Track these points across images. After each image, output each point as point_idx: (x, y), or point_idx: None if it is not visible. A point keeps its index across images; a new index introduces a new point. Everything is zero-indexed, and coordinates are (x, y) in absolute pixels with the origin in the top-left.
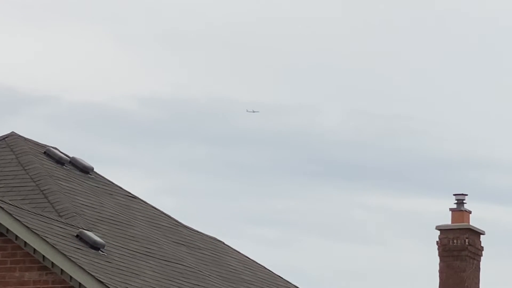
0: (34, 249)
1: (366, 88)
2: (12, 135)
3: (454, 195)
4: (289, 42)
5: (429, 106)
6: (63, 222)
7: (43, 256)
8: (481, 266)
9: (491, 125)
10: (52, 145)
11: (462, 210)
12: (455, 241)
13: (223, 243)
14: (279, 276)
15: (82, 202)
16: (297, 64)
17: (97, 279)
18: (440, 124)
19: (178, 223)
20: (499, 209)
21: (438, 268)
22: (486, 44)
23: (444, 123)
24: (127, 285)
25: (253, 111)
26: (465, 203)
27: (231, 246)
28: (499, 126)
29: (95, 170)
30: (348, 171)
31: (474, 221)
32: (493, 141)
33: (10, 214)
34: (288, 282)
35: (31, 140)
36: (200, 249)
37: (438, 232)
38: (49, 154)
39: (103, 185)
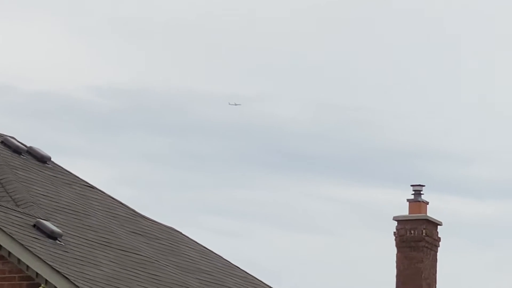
0: None
1: (323, 79)
2: None
3: (412, 186)
4: (247, 34)
5: (386, 97)
6: (20, 212)
7: (0, 245)
8: (438, 257)
9: (449, 116)
10: (9, 135)
11: (419, 201)
12: (412, 231)
13: (181, 233)
14: (237, 266)
15: (39, 192)
16: (254, 55)
17: (54, 268)
18: (398, 115)
19: (135, 213)
20: (456, 200)
21: (395, 258)
22: (438, 35)
23: (402, 114)
24: (84, 275)
25: (235, 104)
26: (423, 194)
27: (189, 236)
28: (456, 117)
29: (52, 159)
30: (305, 162)
31: (431, 212)
32: (450, 132)
33: None
34: (245, 272)
35: None
36: (157, 239)
37: (396, 223)
38: (6, 143)
39: (60, 174)
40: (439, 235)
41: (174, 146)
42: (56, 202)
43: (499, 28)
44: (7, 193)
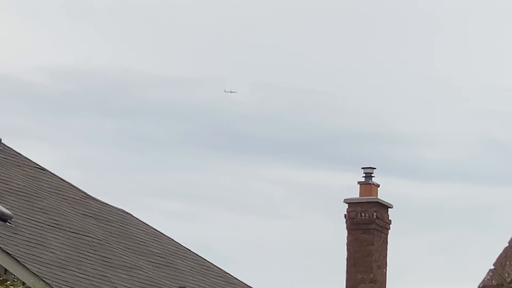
0: None
1: (273, 61)
2: None
3: (362, 168)
4: (196, 15)
5: (335, 80)
6: None
7: None
8: (388, 240)
9: (400, 99)
10: None
11: (370, 184)
12: (363, 214)
13: (131, 215)
14: (188, 249)
15: None
16: (204, 37)
17: (4, 250)
18: (347, 98)
19: (86, 195)
20: (407, 183)
21: (346, 241)
22: (389, 19)
23: (351, 97)
24: (34, 257)
25: (231, 91)
26: (373, 176)
27: (140, 218)
28: (407, 100)
29: (2, 141)
30: (254, 145)
31: (382, 195)
32: (401, 115)
33: None
34: (196, 254)
35: None
36: (108, 221)
37: (346, 206)
38: None
39: (11, 156)
40: (389, 218)
41: (123, 128)
42: (6, 184)
43: (442, 13)
44: None
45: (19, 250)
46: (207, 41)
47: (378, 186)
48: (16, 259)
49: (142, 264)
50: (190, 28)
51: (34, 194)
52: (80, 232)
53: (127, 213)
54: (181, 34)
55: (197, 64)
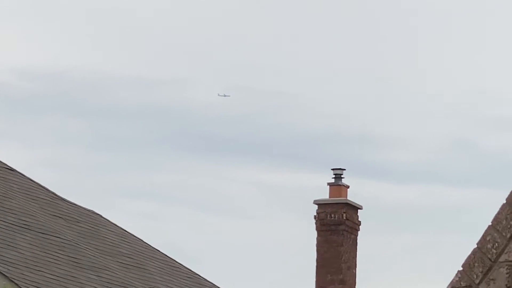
0: None
1: (241, 63)
2: None
3: (332, 169)
4: (165, 17)
5: (305, 81)
6: None
7: None
8: (358, 241)
9: (370, 100)
10: None
11: (340, 185)
12: (332, 215)
13: (101, 216)
14: (157, 250)
15: None
16: (172, 38)
17: None
18: (317, 99)
19: (55, 196)
20: (377, 184)
21: (315, 242)
22: (356, 20)
23: (321, 98)
24: (2, 257)
25: (224, 95)
26: (343, 177)
27: (109, 219)
28: (377, 102)
29: None
30: (224, 146)
31: (352, 196)
32: (371, 116)
33: None
34: (165, 255)
35: None
36: (78, 222)
37: (316, 207)
38: None
39: None
40: (359, 219)
41: (93, 129)
42: None
43: (412, 13)
44: None
45: None
46: (176, 42)
47: (348, 187)
48: None
49: (111, 265)
50: (159, 29)
51: (3, 195)
52: (49, 233)
53: (97, 213)
54: (150, 35)
55: (167, 65)
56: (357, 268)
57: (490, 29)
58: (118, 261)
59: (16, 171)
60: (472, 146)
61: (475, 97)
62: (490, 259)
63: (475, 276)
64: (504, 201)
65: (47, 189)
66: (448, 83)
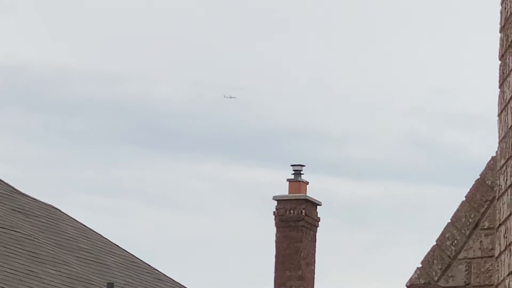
0: None
1: (201, 58)
2: None
3: (292, 165)
4: (124, 12)
5: (265, 78)
6: None
7: None
8: (317, 237)
9: (329, 97)
10: None
11: (299, 181)
12: (291, 211)
13: (60, 211)
14: (116, 245)
15: None
16: (131, 32)
17: None
18: (277, 95)
19: (14, 190)
20: (336, 180)
21: (274, 238)
22: (318, 19)
23: (281, 94)
24: None
25: (230, 97)
26: (303, 174)
27: (68, 213)
28: (336, 98)
29: None
30: (181, 141)
31: (311, 192)
32: (330, 113)
33: None
34: (124, 250)
35: None
36: (36, 216)
37: (275, 203)
38: None
39: None
40: (318, 215)
41: (51, 123)
42: None
43: (368, 13)
44: None
45: None
46: (135, 37)
47: (307, 183)
48: None
49: (70, 259)
50: (117, 23)
51: None
52: (8, 227)
53: (56, 208)
54: (108, 29)
55: (125, 60)
56: (316, 265)
57: (448, 28)
58: (77, 256)
59: None
60: (430, 143)
61: (432, 94)
62: (449, 256)
63: (434, 273)
64: (464, 199)
65: (5, 183)
66: (406, 80)
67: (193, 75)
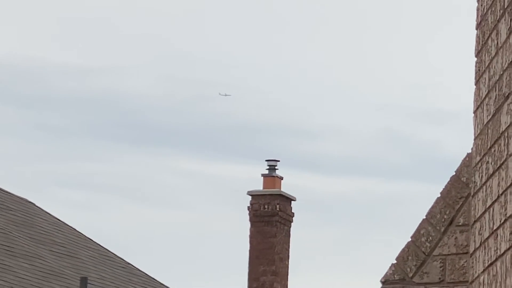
0: None
1: (178, 53)
2: None
3: (266, 161)
4: (100, 6)
5: (240, 72)
6: None
7: None
8: (291, 232)
9: (304, 92)
10: None
11: (273, 176)
12: (266, 206)
13: (34, 205)
14: (90, 239)
15: None
16: (107, 26)
17: None
18: (251, 90)
19: None
20: (310, 176)
21: (249, 233)
22: (295, 14)
23: (255, 89)
24: None
25: (226, 95)
26: (277, 169)
27: (42, 207)
28: (311, 94)
29: None
30: (157, 136)
31: (286, 187)
32: (305, 108)
33: None
34: (98, 244)
35: None
36: (10, 210)
37: (250, 198)
38: None
39: None
40: (292, 210)
41: (26, 117)
42: None
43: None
44: None
45: None
46: (108, 31)
47: (282, 178)
48: None
49: (44, 253)
50: (93, 18)
51: None
52: None
53: (30, 202)
54: (85, 23)
55: (99, 54)
56: (290, 260)
57: (424, 24)
58: (51, 250)
59: None
60: (405, 139)
61: (408, 91)
62: (424, 253)
63: (408, 269)
64: (439, 195)
65: None
66: (381, 76)
67: (168, 69)
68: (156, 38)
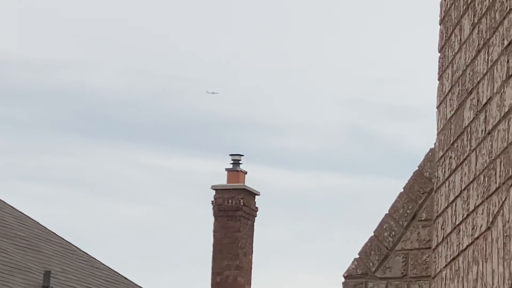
0: None
1: (140, 47)
2: None
3: (230, 155)
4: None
5: (204, 67)
6: None
7: None
8: (255, 227)
9: (267, 87)
10: None
11: (237, 171)
12: (230, 201)
13: None
14: (53, 233)
15: None
16: (70, 20)
17: None
18: (214, 85)
19: None
20: (274, 171)
21: (212, 228)
22: (257, 9)
23: (218, 84)
24: None
25: (213, 92)
26: (241, 163)
27: (5, 201)
28: (274, 88)
29: None
30: (121, 130)
31: (250, 182)
32: (268, 103)
33: None
34: (62, 238)
35: None
36: None
37: (214, 192)
38: None
39: None
40: (256, 205)
41: None
42: None
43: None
44: None
45: None
46: (74, 24)
47: (246, 173)
48: None
49: (7, 247)
50: (56, 10)
51: None
52: None
53: None
54: (47, 16)
55: (64, 48)
56: (253, 254)
57: (388, 19)
58: (14, 244)
59: None
60: (369, 134)
61: (372, 86)
62: (386, 247)
63: (371, 264)
64: (402, 190)
65: None
66: (345, 71)
67: (133, 63)
68: (119, 32)
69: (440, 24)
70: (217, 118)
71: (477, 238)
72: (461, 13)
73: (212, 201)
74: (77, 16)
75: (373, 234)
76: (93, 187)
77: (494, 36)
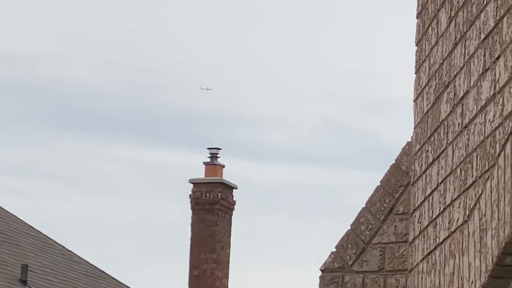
0: None
1: (117, 40)
2: None
3: (208, 149)
4: None
5: (182, 61)
6: None
7: None
8: (232, 221)
9: (245, 81)
10: None
11: (215, 164)
12: (207, 194)
13: None
14: (31, 226)
15: None
16: (44, 13)
17: None
18: (191, 79)
19: None
20: (252, 164)
21: (190, 221)
22: (237, 4)
23: (196, 78)
24: None
25: (207, 89)
26: (219, 157)
27: None
28: (251, 82)
29: None
30: (98, 123)
31: (227, 176)
32: (246, 97)
33: None
34: (39, 231)
35: None
36: None
37: (191, 186)
38: None
39: None
40: (234, 199)
41: None
42: None
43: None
44: None
45: None
46: (49, 17)
47: (223, 166)
48: None
49: None
50: (31, 3)
51: None
52: None
53: None
54: (21, 9)
55: (38, 40)
56: (231, 248)
57: (366, 12)
58: None
59: None
60: (346, 128)
61: (348, 79)
62: (363, 241)
63: (348, 258)
64: (379, 184)
65: None
66: (323, 64)
67: (109, 56)
68: (96, 25)
69: (417, 18)
70: (194, 111)
71: (454, 231)
72: (438, 6)
73: (190, 194)
74: (53, 7)
75: (350, 227)
76: (70, 180)
77: (471, 29)
